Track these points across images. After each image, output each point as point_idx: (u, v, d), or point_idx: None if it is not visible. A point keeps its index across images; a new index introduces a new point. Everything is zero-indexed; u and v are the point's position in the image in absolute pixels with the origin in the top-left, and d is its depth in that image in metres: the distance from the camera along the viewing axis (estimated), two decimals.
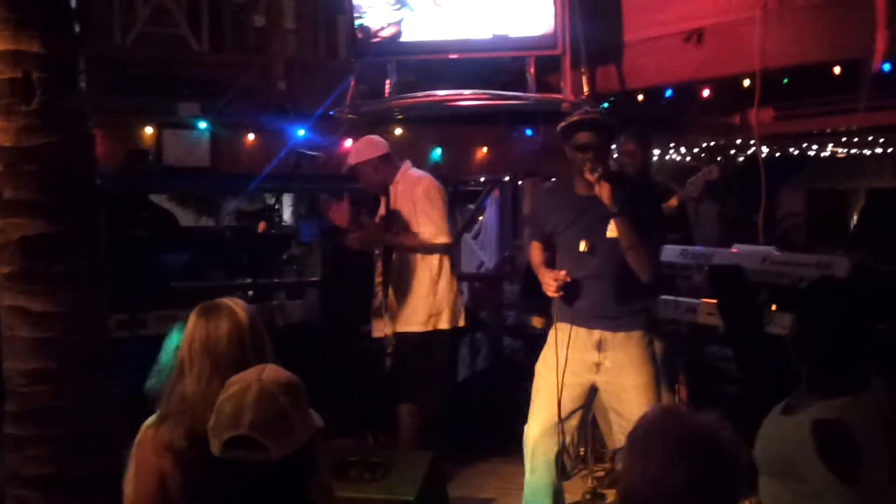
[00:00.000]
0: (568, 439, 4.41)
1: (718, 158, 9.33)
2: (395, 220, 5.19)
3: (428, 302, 5.17)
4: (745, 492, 2.00)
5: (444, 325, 5.21)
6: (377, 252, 5.34)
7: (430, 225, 5.12)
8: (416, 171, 5.31)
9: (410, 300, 5.16)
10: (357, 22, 6.12)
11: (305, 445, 2.16)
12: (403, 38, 6.14)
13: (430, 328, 5.18)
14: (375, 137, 5.38)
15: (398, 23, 6.06)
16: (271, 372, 2.26)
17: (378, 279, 5.34)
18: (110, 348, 2.58)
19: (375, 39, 6.11)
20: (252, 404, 2.13)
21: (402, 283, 5.19)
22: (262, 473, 2.10)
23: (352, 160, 5.26)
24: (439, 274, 5.19)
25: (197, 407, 2.68)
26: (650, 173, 6.08)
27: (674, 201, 5.51)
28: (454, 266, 5.32)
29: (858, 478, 2.71)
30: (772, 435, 2.92)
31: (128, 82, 6.12)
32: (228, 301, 2.94)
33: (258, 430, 2.09)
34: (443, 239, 5.15)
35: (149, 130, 6.29)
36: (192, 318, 2.89)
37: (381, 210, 5.35)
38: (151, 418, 2.91)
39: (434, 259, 5.18)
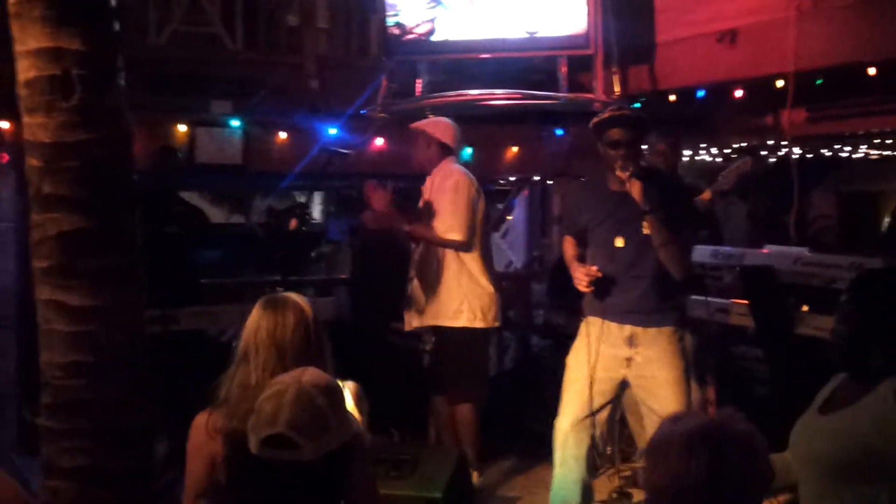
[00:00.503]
0: (598, 432, 4.41)
1: (750, 157, 9.28)
2: (426, 211, 5.19)
3: (452, 297, 5.15)
4: (767, 488, 1.98)
5: (469, 322, 5.20)
6: (414, 246, 5.35)
7: (445, 219, 5.10)
8: (455, 166, 5.30)
9: (435, 295, 5.16)
10: (391, 20, 6.14)
11: (341, 448, 2.19)
12: (436, 37, 6.16)
13: (459, 324, 5.17)
14: (450, 123, 5.41)
15: (432, 20, 6.08)
16: (311, 375, 2.30)
17: (412, 272, 5.35)
18: (145, 343, 2.61)
19: (409, 37, 6.13)
20: (290, 404, 2.17)
21: (426, 277, 5.19)
22: (295, 473, 2.13)
23: (420, 125, 5.32)
24: (461, 270, 5.16)
25: (257, 397, 2.72)
26: (678, 173, 6.06)
27: (707, 195, 5.49)
28: (484, 263, 5.28)
29: None
30: (817, 434, 2.86)
31: (161, 80, 6.16)
32: (294, 295, 3.01)
33: (294, 429, 2.13)
34: (454, 235, 5.10)
35: (182, 128, 6.33)
36: (258, 309, 2.94)
37: (422, 200, 5.37)
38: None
39: (456, 255, 5.17)
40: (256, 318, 2.92)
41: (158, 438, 2.97)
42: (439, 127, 5.27)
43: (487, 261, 5.32)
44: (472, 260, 5.20)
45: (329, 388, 2.25)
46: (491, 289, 5.26)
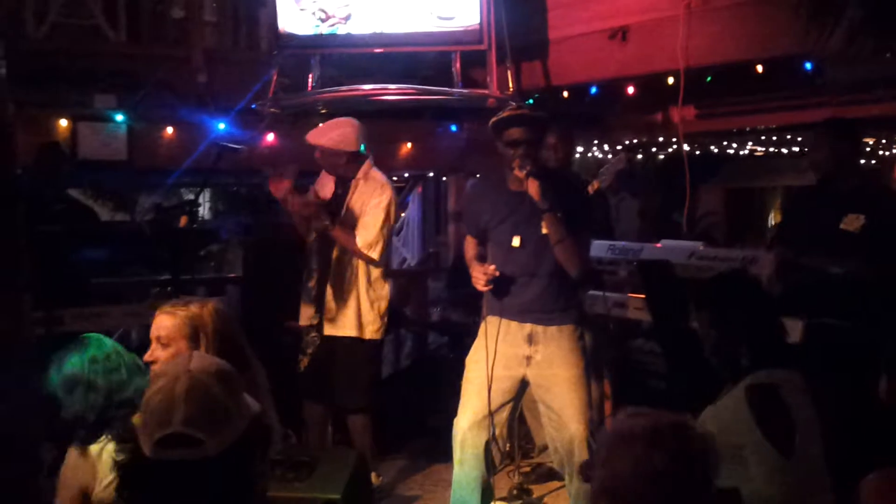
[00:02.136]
0: (497, 432, 4.39)
1: (639, 155, 9.43)
2: (349, 216, 5.03)
3: (364, 309, 5.05)
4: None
5: (374, 334, 5.10)
6: (315, 246, 5.15)
7: (369, 234, 4.97)
8: (380, 176, 5.09)
9: (346, 305, 5.02)
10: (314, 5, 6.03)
11: (245, 434, 2.03)
12: (328, 31, 6.07)
13: (368, 336, 5.06)
14: (350, 126, 5.09)
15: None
16: (199, 360, 2.11)
17: (314, 268, 5.14)
18: (30, 346, 2.47)
19: (304, 30, 6.03)
20: (182, 397, 1.96)
21: (340, 285, 5.03)
22: (200, 470, 1.97)
23: (323, 142, 5.03)
24: (370, 281, 5.06)
25: None
26: (571, 169, 6.10)
27: (589, 188, 5.52)
28: (385, 272, 5.19)
29: (794, 449, 2.75)
30: (704, 421, 2.95)
31: (41, 74, 5.92)
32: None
33: (192, 425, 1.93)
34: (373, 254, 4.95)
35: (63, 123, 6.11)
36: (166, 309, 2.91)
37: (328, 192, 5.19)
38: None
39: (367, 266, 5.06)
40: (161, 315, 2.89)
41: (45, 446, 2.83)
42: (344, 138, 5.02)
43: (388, 269, 5.25)
44: (378, 269, 5.10)
45: (222, 372, 2.07)
46: (388, 298, 5.18)
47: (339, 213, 4.98)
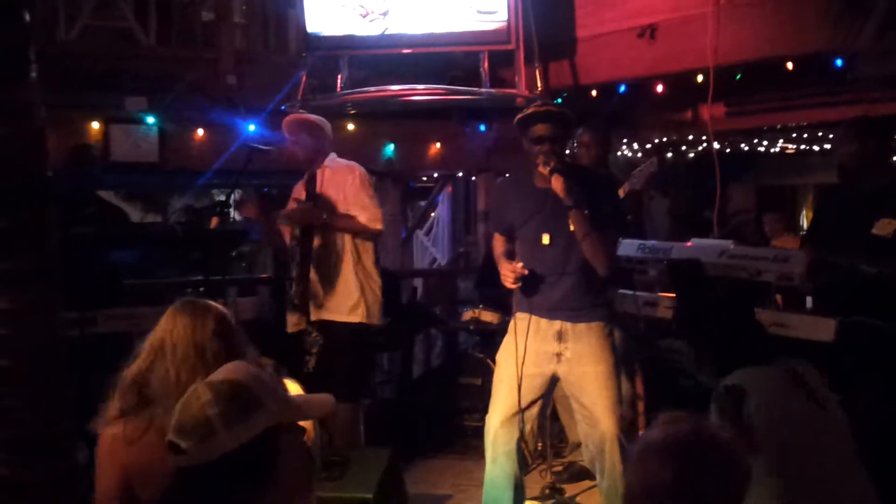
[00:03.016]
0: (528, 429, 4.39)
1: (669, 154, 9.39)
2: (322, 205, 5.07)
3: (350, 292, 5.06)
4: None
5: (364, 318, 5.10)
6: (292, 243, 5.19)
7: (366, 211, 5.03)
8: (342, 160, 5.20)
9: (334, 289, 5.04)
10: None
11: (240, 450, 2.07)
12: (360, 32, 6.11)
13: (355, 319, 5.08)
14: (314, 117, 5.20)
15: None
16: (220, 373, 2.18)
17: (294, 272, 5.18)
18: (64, 347, 2.50)
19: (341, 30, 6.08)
20: (180, 406, 2.07)
21: (324, 271, 5.05)
22: (197, 476, 2.03)
23: (309, 118, 5.13)
24: (357, 265, 5.09)
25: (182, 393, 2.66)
26: (607, 166, 6.09)
27: (621, 191, 5.52)
28: (376, 259, 5.23)
29: (758, 448, 2.74)
30: None
31: (73, 77, 6.00)
32: (209, 301, 2.93)
33: (177, 433, 2.03)
34: (377, 225, 5.03)
35: (95, 126, 6.18)
36: (174, 312, 2.84)
37: (301, 195, 5.23)
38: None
39: (359, 248, 5.09)
40: (172, 319, 2.82)
41: (78, 446, 2.85)
42: (325, 122, 5.16)
43: (377, 257, 5.26)
44: (367, 256, 5.12)
45: (224, 387, 2.10)
46: (380, 284, 5.20)
47: (319, 204, 5.03)
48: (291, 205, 5.19)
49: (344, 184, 5.03)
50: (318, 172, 5.10)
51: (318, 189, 5.07)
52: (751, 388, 2.83)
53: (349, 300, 5.04)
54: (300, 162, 5.16)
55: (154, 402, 2.73)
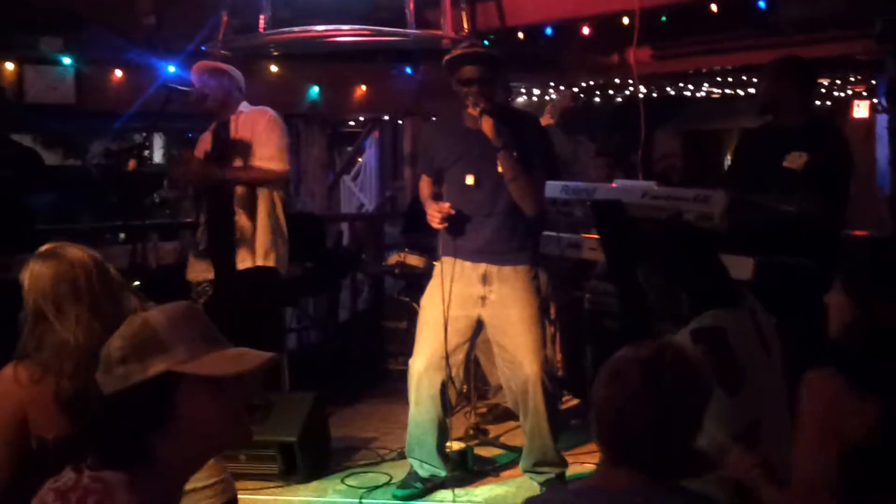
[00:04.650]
0: (453, 371, 4.40)
1: (596, 98, 9.40)
2: (235, 151, 4.97)
3: (266, 237, 4.99)
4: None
5: (278, 263, 5.05)
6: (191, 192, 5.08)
7: (267, 149, 4.93)
8: (256, 107, 5.10)
9: (248, 237, 4.96)
10: None
11: (133, 389, 2.02)
12: None
13: (269, 264, 5.02)
14: (222, 64, 5.12)
15: None
16: (155, 310, 2.14)
17: (201, 220, 5.09)
18: None
19: None
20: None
21: (238, 220, 4.96)
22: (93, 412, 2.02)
23: (222, 65, 5.05)
24: (272, 211, 5.02)
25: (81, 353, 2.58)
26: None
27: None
28: (286, 206, 5.16)
29: (738, 389, 2.79)
30: None
31: None
32: (67, 245, 2.81)
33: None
34: (277, 165, 4.94)
35: (10, 66, 5.97)
36: (36, 264, 2.72)
37: (207, 145, 5.12)
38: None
39: (268, 194, 5.01)
40: (38, 273, 2.70)
41: None
42: (234, 69, 5.06)
43: (286, 206, 5.21)
44: (278, 203, 5.05)
45: (135, 325, 2.07)
46: (286, 235, 5.14)
47: (231, 154, 4.94)
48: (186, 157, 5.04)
49: (255, 127, 4.94)
50: (231, 120, 4.99)
51: (231, 136, 4.96)
52: (728, 329, 2.89)
53: (262, 247, 4.96)
54: (210, 110, 5.04)
55: (52, 360, 2.65)
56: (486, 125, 4.10)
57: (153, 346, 2.00)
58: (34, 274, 2.70)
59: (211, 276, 5.00)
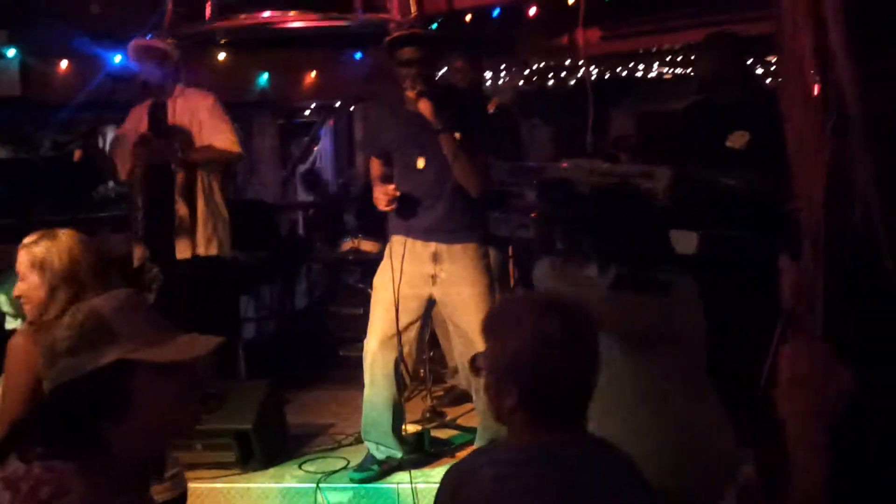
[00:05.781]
0: (406, 350, 4.41)
1: (550, 81, 9.42)
2: (176, 134, 4.96)
3: (204, 226, 4.98)
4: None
5: (217, 250, 5.08)
6: (135, 175, 5.03)
7: (223, 135, 4.94)
8: (194, 89, 5.11)
9: (188, 224, 4.95)
10: None
11: (85, 379, 2.01)
12: None
13: (212, 252, 5.02)
14: (160, 44, 5.15)
15: None
16: (99, 298, 2.13)
17: (140, 205, 5.05)
18: None
19: None
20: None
21: (179, 207, 4.95)
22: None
23: (160, 44, 5.07)
24: (213, 198, 5.02)
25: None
26: (482, 91, 6.08)
27: (490, 106, 5.54)
28: (232, 193, 5.17)
29: None
30: None
31: None
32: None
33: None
34: (237, 148, 5.01)
35: None
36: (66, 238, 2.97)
37: (143, 127, 5.09)
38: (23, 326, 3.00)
39: (211, 181, 5.01)
40: (67, 245, 2.96)
41: None
42: (172, 49, 5.04)
43: (232, 193, 5.23)
44: (216, 188, 5.05)
45: (81, 315, 2.06)
46: (228, 219, 5.15)
47: (172, 135, 4.92)
48: (131, 137, 5.01)
49: (197, 111, 4.93)
50: (170, 103, 4.97)
51: (170, 120, 4.94)
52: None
53: (202, 236, 4.96)
54: (150, 91, 5.01)
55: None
56: (425, 107, 4.12)
57: (103, 335, 2.00)
58: (63, 246, 2.95)
59: (150, 258, 4.99)
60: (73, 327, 1.99)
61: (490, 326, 2.16)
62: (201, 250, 4.94)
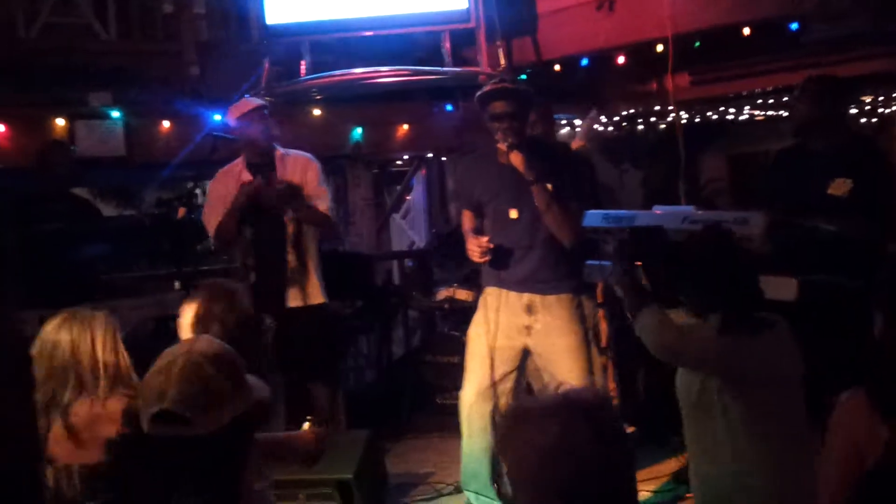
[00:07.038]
0: (502, 401, 4.42)
1: (640, 126, 9.41)
2: (293, 189, 5.05)
3: (315, 276, 5.10)
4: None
5: (325, 299, 5.17)
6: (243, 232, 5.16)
7: (326, 203, 5.06)
8: (294, 151, 5.21)
9: (301, 276, 5.07)
10: None
11: (241, 420, 2.06)
12: (318, 16, 6.10)
13: (321, 300, 5.13)
14: (263, 102, 5.20)
15: None
16: (202, 343, 2.16)
17: (249, 262, 5.16)
18: (23, 348, 2.47)
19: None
20: (176, 377, 2.03)
21: (301, 258, 5.08)
22: (191, 447, 2.02)
23: (244, 122, 5.05)
24: (318, 249, 5.16)
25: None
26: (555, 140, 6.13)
27: (574, 145, 5.58)
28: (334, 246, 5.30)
29: None
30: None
31: (36, 75, 5.97)
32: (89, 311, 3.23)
33: (181, 403, 1.99)
34: (333, 218, 5.22)
35: (60, 122, 6.14)
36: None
37: (244, 178, 5.13)
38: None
39: (314, 235, 5.12)
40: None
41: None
42: (256, 111, 5.14)
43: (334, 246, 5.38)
44: (316, 241, 5.17)
45: (220, 356, 2.10)
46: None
47: (288, 190, 5.01)
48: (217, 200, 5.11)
49: (304, 175, 5.04)
50: (278, 159, 5.08)
51: (280, 176, 5.05)
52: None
53: (313, 286, 5.07)
54: (260, 148, 5.10)
55: None
56: (516, 160, 4.18)
57: (242, 379, 2.10)
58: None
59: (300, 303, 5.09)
60: (224, 374, 2.10)
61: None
62: (312, 300, 5.06)
